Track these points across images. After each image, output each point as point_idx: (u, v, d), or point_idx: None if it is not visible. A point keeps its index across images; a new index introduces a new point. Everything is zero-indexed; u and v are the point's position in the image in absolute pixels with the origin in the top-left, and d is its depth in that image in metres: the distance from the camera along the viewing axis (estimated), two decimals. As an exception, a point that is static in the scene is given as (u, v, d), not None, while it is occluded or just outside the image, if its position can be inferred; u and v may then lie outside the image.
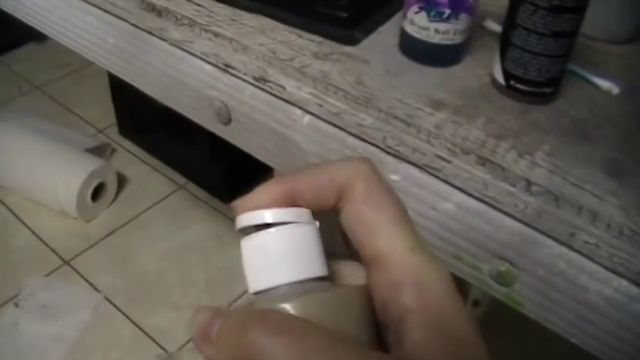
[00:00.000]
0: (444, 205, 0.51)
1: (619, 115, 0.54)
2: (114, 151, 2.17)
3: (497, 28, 0.62)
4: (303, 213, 0.32)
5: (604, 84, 0.57)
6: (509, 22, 0.53)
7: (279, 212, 0.31)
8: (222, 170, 1.94)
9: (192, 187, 2.04)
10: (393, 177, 0.52)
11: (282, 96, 0.57)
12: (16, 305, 1.68)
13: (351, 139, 0.54)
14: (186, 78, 0.64)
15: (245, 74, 0.58)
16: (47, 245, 1.85)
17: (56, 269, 1.79)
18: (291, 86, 0.56)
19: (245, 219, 0.32)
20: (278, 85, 0.56)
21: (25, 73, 2.50)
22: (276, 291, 0.31)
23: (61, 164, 1.89)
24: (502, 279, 0.50)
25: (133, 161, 2.13)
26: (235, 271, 1.76)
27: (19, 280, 1.74)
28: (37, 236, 1.87)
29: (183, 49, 0.63)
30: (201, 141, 1.90)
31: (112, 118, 2.23)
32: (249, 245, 0.32)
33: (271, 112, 0.58)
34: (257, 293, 0.31)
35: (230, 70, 0.60)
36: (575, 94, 0.56)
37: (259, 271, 0.32)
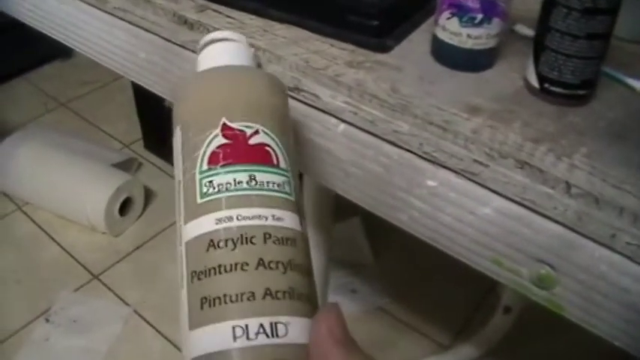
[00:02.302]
0: (483, 210, 0.51)
1: (655, 116, 0.54)
2: (140, 165, 2.19)
3: (528, 32, 0.62)
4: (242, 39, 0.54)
5: (638, 85, 0.57)
6: (542, 25, 0.53)
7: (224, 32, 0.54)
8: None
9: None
10: (431, 183, 0.53)
11: (317, 105, 0.57)
12: (47, 320, 1.70)
13: (386, 147, 0.54)
14: (219, 90, 0.65)
15: (279, 84, 0.59)
16: (76, 260, 1.87)
17: (86, 284, 1.80)
18: (325, 95, 0.56)
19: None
20: (312, 94, 0.57)
21: (51, 91, 2.54)
22: None
23: (88, 180, 1.91)
24: (543, 283, 0.50)
25: (159, 175, 2.15)
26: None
27: (49, 295, 1.76)
28: (66, 251, 1.89)
29: (216, 62, 0.64)
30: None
31: (137, 133, 2.25)
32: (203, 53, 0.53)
33: (305, 121, 0.59)
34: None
35: (263, 80, 0.60)
36: (610, 96, 0.56)
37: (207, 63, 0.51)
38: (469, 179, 0.51)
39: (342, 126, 0.56)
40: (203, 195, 0.40)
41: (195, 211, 0.40)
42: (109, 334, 1.66)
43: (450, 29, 0.56)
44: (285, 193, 0.41)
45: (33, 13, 0.88)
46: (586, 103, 0.54)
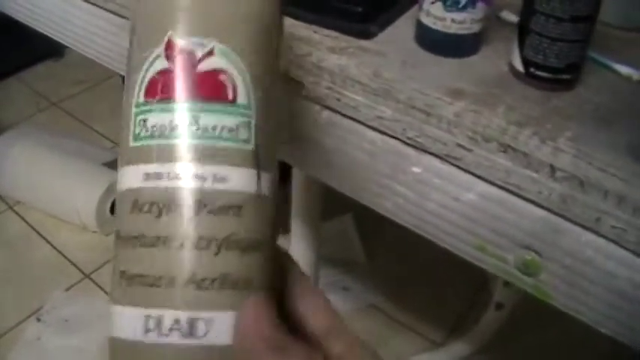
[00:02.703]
0: (467, 195, 0.50)
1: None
2: (132, 164, 2.18)
3: (514, 18, 0.61)
4: None
5: (624, 70, 0.57)
6: (527, 8, 0.53)
7: None
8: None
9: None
10: (415, 169, 0.52)
11: (300, 92, 0.56)
12: (38, 320, 1.69)
13: (370, 133, 0.54)
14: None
15: (261, 72, 0.58)
16: (68, 259, 1.86)
17: (77, 283, 1.79)
18: (308, 82, 0.55)
19: None
20: (295, 81, 0.56)
21: (44, 90, 2.52)
22: None
23: (79, 179, 1.90)
24: (528, 269, 0.49)
25: (151, 174, 2.14)
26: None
27: (40, 294, 1.74)
28: (58, 250, 1.88)
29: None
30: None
31: (129, 132, 2.24)
32: None
33: (289, 109, 0.58)
34: None
35: (246, 68, 0.59)
36: (596, 81, 0.55)
37: None
38: (453, 164, 0.50)
39: (326, 112, 0.56)
40: (136, 137, 0.32)
41: (126, 157, 0.33)
42: (100, 334, 1.65)
43: (434, 14, 0.55)
44: (240, 140, 0.32)
45: (27, 10, 0.87)
46: (571, 87, 0.54)
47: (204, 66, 0.32)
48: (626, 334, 0.47)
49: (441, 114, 0.50)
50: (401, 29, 0.60)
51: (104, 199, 1.86)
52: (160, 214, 0.30)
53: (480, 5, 0.55)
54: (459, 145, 0.49)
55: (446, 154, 0.50)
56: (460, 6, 0.54)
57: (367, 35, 0.58)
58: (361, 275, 1.75)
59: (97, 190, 1.86)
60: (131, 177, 0.32)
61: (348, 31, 0.59)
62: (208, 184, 0.31)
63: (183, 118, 0.31)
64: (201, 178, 0.31)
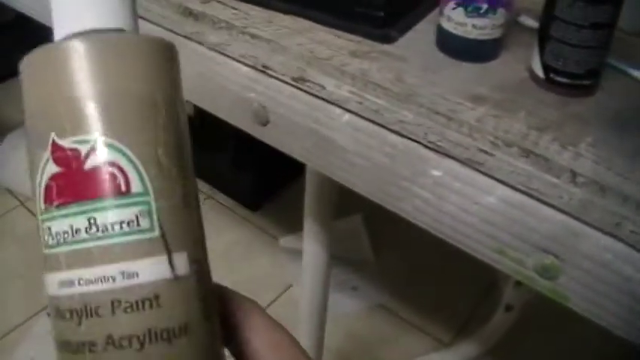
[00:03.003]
0: (487, 199, 0.51)
1: (659, 107, 0.54)
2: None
3: (532, 23, 0.62)
4: None
5: (642, 76, 0.57)
6: (548, 14, 0.53)
7: None
8: (250, 179, 1.95)
9: (220, 196, 2.05)
10: (435, 172, 0.53)
11: (321, 95, 0.57)
12: (49, 315, 1.69)
13: (391, 136, 0.54)
14: (223, 81, 0.65)
15: (283, 75, 0.59)
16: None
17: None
18: (330, 85, 0.56)
19: None
20: (317, 84, 0.57)
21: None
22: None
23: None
24: (547, 272, 0.50)
25: (160, 172, 2.15)
26: (264, 278, 1.76)
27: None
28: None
29: (221, 53, 0.64)
30: (227, 150, 1.92)
31: (138, 130, 2.25)
32: None
33: (310, 111, 0.59)
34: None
35: (268, 71, 0.60)
36: (614, 87, 0.56)
37: (62, 18, 0.33)
38: (474, 168, 0.51)
39: (347, 116, 0.56)
40: (46, 245, 0.31)
41: (43, 263, 0.32)
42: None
43: (455, 19, 0.56)
44: (142, 231, 0.31)
45: (36, 5, 0.88)
46: (591, 93, 0.55)
47: (90, 163, 0.30)
48: (641, 337, 0.48)
49: (463, 119, 0.51)
50: (421, 34, 0.61)
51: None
52: (80, 321, 0.30)
53: (500, 11, 0.55)
54: (481, 150, 0.49)
55: (467, 158, 0.50)
56: (481, 12, 0.55)
57: (388, 40, 0.59)
58: (370, 275, 1.76)
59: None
60: (49, 284, 0.31)
61: (370, 35, 0.60)
62: (119, 283, 0.30)
63: (81, 221, 0.30)
64: (110, 278, 0.30)
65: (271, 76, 0.60)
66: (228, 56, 0.64)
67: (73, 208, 0.30)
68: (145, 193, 0.31)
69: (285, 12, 0.64)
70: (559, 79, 0.54)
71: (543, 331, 1.57)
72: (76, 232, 0.30)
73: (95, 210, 0.30)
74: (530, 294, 1.37)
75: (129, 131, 0.31)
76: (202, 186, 2.08)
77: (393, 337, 1.62)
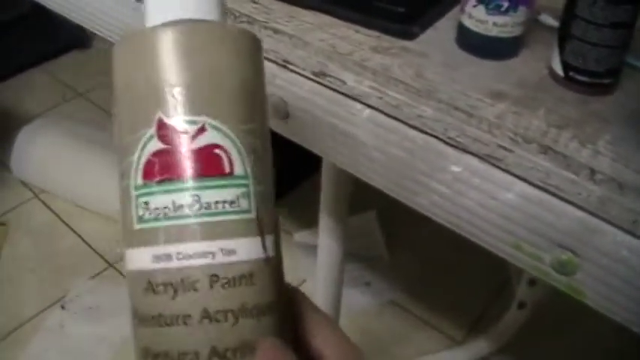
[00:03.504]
0: (505, 195, 0.51)
1: (678, 106, 0.55)
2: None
3: (552, 22, 0.62)
4: None
5: (661, 76, 0.58)
6: (568, 13, 0.54)
7: None
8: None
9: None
10: (454, 168, 0.53)
11: (342, 90, 0.58)
12: (62, 307, 1.71)
13: (411, 132, 0.55)
14: (244, 75, 0.66)
15: (304, 69, 0.60)
16: (92, 248, 1.88)
17: (101, 272, 1.82)
18: (350, 80, 0.57)
19: None
20: (338, 79, 0.58)
21: (69, 81, 2.55)
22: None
23: (105, 169, 1.92)
24: (564, 268, 0.50)
25: (175, 166, 2.16)
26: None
27: (64, 282, 1.77)
28: (83, 239, 1.90)
29: (242, 47, 0.64)
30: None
31: (154, 123, 2.26)
32: None
33: (330, 106, 0.59)
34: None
35: (289, 65, 0.61)
36: (634, 86, 0.56)
37: (158, 6, 0.35)
38: (493, 164, 0.51)
39: (367, 111, 0.57)
40: (139, 220, 0.32)
41: (131, 239, 0.33)
42: (123, 323, 1.66)
43: (476, 17, 0.57)
44: (242, 211, 0.32)
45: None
46: (610, 92, 0.55)
47: (197, 143, 0.32)
48: (658, 334, 0.48)
49: (482, 115, 0.51)
50: (442, 30, 0.62)
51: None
52: (175, 294, 0.31)
53: (521, 9, 0.56)
54: (500, 146, 0.50)
55: (486, 154, 0.51)
56: (502, 10, 0.56)
57: (409, 36, 0.60)
58: (383, 271, 1.76)
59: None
60: (140, 259, 0.32)
61: (391, 31, 0.60)
62: (218, 259, 0.31)
63: (184, 197, 0.32)
64: (210, 254, 0.31)
65: (292, 71, 0.61)
66: (249, 50, 0.64)
67: (177, 185, 0.32)
68: (246, 176, 0.33)
69: (307, 7, 0.64)
70: (579, 77, 0.54)
71: (556, 329, 1.57)
72: (179, 208, 0.31)
73: (202, 187, 0.32)
74: (543, 292, 1.37)
75: (234, 116, 0.33)
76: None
77: (405, 334, 1.63)
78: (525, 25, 0.58)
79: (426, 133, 0.54)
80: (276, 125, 0.66)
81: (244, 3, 0.66)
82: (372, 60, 0.57)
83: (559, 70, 0.55)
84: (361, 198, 1.04)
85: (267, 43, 0.62)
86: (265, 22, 0.63)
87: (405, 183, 0.57)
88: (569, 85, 0.55)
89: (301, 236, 1.87)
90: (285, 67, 0.61)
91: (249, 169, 0.33)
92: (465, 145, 0.52)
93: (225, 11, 0.36)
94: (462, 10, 0.58)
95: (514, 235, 0.52)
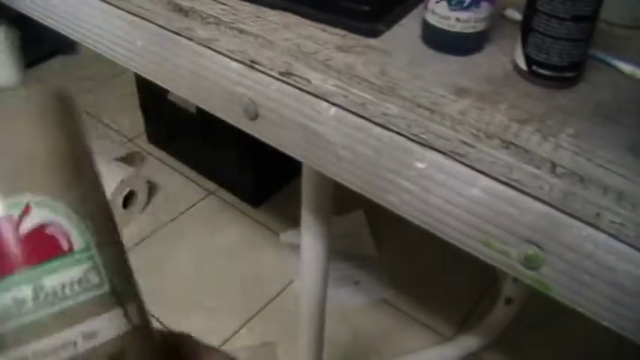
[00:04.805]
0: (471, 191, 0.51)
1: (641, 98, 0.55)
2: (143, 159, 2.20)
3: (518, 16, 0.62)
4: None
5: (627, 68, 0.58)
6: (530, 7, 0.54)
7: None
8: (252, 175, 1.96)
9: (222, 192, 2.06)
10: (419, 165, 0.53)
11: (308, 89, 0.58)
12: None
13: (376, 129, 0.55)
14: (214, 76, 0.66)
15: (271, 69, 0.60)
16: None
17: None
18: (316, 79, 0.57)
19: None
20: (303, 78, 0.57)
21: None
22: None
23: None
24: (530, 263, 0.50)
25: (163, 169, 2.16)
26: (266, 274, 1.77)
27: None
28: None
29: (210, 48, 0.64)
30: (229, 147, 1.92)
31: (140, 127, 2.26)
32: None
33: (297, 105, 0.59)
34: None
35: (256, 66, 0.61)
36: (599, 79, 0.56)
37: None
38: (457, 160, 0.51)
39: (333, 109, 0.57)
40: None
41: None
42: (113, 327, 1.67)
43: (439, 13, 0.57)
44: (94, 287, 0.29)
45: (35, 6, 0.89)
46: (573, 85, 0.55)
47: (25, 226, 0.28)
48: (625, 326, 0.48)
49: (445, 111, 0.51)
50: (407, 28, 0.62)
51: (116, 194, 1.88)
52: None
53: (484, 4, 0.56)
54: (463, 142, 0.50)
55: (450, 150, 0.51)
56: (464, 5, 0.55)
57: (374, 34, 0.60)
58: (372, 270, 1.77)
59: (108, 185, 1.88)
60: None
61: (355, 29, 0.60)
62: (81, 347, 0.28)
63: (25, 291, 0.28)
64: (71, 344, 0.28)
65: (259, 71, 0.61)
66: (217, 51, 0.64)
67: (13, 279, 0.27)
68: (88, 248, 0.29)
69: (273, 7, 0.64)
70: (542, 71, 0.54)
71: (544, 324, 1.57)
72: (22, 304, 0.27)
73: (40, 276, 0.28)
74: (529, 287, 1.37)
75: (57, 186, 0.29)
76: (205, 182, 2.09)
77: (395, 331, 1.63)
78: (489, 20, 0.58)
79: (391, 130, 0.54)
80: (246, 126, 0.66)
81: (211, 4, 0.66)
82: (336, 59, 0.57)
83: (522, 64, 0.55)
84: (349, 197, 1.04)
85: (235, 43, 0.62)
86: (232, 22, 0.63)
87: (374, 181, 0.57)
88: (532, 79, 0.55)
89: (287, 236, 1.87)
90: (252, 67, 0.61)
91: (90, 240, 0.29)
92: (429, 141, 0.52)
93: (21, 70, 0.32)
94: (426, 7, 0.58)
95: (482, 231, 0.52)
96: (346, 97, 0.55)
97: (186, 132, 2.08)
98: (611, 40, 0.60)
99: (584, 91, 0.55)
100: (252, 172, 1.95)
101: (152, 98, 2.10)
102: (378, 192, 0.58)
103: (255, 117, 0.64)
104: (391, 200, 0.57)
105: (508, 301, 1.43)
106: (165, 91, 1.97)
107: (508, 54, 0.58)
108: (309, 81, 0.57)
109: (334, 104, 0.57)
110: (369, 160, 0.56)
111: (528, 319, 1.52)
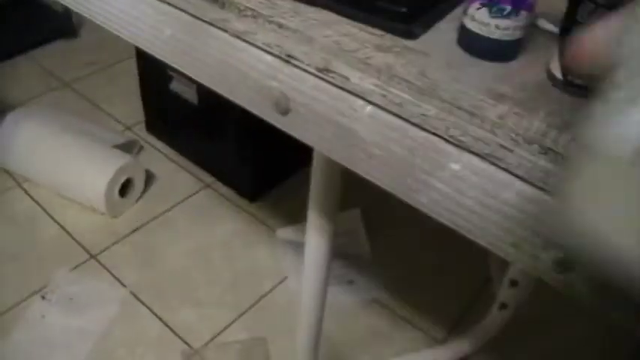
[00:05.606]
0: (505, 194, 0.52)
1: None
2: (141, 148, 2.20)
3: (549, 26, 0.64)
4: None
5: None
6: (569, 19, 0.55)
7: None
8: (250, 170, 1.96)
9: (219, 185, 2.06)
10: (454, 166, 0.54)
11: (345, 87, 0.58)
12: (43, 297, 1.71)
13: (412, 129, 0.56)
14: (246, 68, 0.66)
15: (308, 65, 0.60)
16: (74, 239, 1.88)
17: (83, 263, 1.81)
18: (355, 77, 0.58)
19: None
20: (342, 75, 0.58)
21: (55, 70, 2.54)
22: None
23: (89, 160, 1.92)
24: (561, 267, 0.52)
25: (160, 159, 2.16)
26: (260, 269, 1.78)
27: (46, 272, 1.76)
28: (65, 230, 1.90)
29: (245, 40, 0.65)
30: (229, 140, 1.93)
31: (140, 116, 2.26)
32: None
33: (332, 102, 0.60)
34: None
35: (292, 60, 0.62)
36: (630, 92, 0.58)
37: None
38: (493, 164, 0.52)
39: (369, 108, 0.58)
40: None
41: None
42: (104, 315, 1.67)
43: (479, 19, 0.58)
44: None
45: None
46: (608, 96, 0.56)
47: None
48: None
49: (485, 115, 0.52)
50: (443, 31, 0.63)
51: (113, 181, 1.88)
52: None
53: (523, 13, 0.57)
54: (502, 146, 0.51)
55: (488, 153, 0.52)
56: (505, 13, 0.57)
57: (411, 35, 0.61)
58: (367, 270, 1.78)
59: (106, 173, 1.87)
60: None
61: (393, 30, 0.61)
62: None
63: None
64: None
65: (295, 66, 0.62)
66: (251, 44, 0.65)
67: None
68: None
69: (312, 4, 0.65)
70: (577, 81, 0.55)
71: (537, 330, 1.59)
72: None
73: None
74: (524, 293, 1.38)
75: None
76: (202, 174, 2.09)
77: (387, 332, 1.64)
78: (526, 28, 0.59)
79: (427, 131, 0.55)
80: (276, 120, 0.66)
81: (248, -3, 0.67)
82: (375, 58, 0.58)
83: (558, 73, 0.56)
84: (346, 195, 1.05)
85: (272, 37, 0.63)
86: (270, 16, 0.64)
87: (404, 180, 0.58)
88: (567, 88, 0.56)
89: (284, 232, 1.88)
90: (288, 62, 0.62)
91: None
92: (467, 144, 0.53)
93: None
94: (465, 13, 0.59)
95: (513, 234, 0.53)
96: (384, 96, 0.56)
97: (186, 123, 2.08)
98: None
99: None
100: (250, 166, 1.96)
101: (153, 87, 2.10)
102: (407, 191, 0.59)
103: (286, 112, 0.64)
104: (421, 200, 0.58)
105: (502, 306, 1.44)
106: (167, 81, 1.97)
107: (541, 62, 0.59)
108: (347, 78, 0.58)
109: (371, 103, 0.57)
110: (402, 160, 0.57)
111: (522, 324, 1.54)
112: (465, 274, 1.71)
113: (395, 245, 1.83)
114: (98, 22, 0.85)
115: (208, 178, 2.08)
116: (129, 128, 2.29)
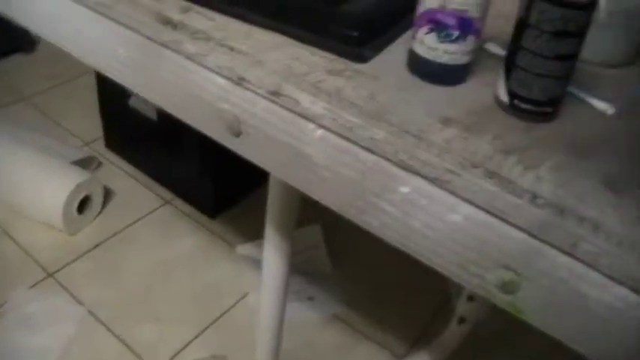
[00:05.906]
0: (452, 217, 0.53)
1: (614, 134, 0.58)
2: (100, 164, 2.17)
3: (497, 50, 0.65)
4: None
5: (600, 105, 0.61)
6: (514, 44, 0.56)
7: None
8: (210, 186, 1.96)
9: (179, 202, 2.05)
10: (403, 189, 0.55)
11: (296, 110, 0.59)
12: (1, 316, 1.68)
13: (363, 153, 0.56)
14: (198, 91, 0.67)
15: (259, 88, 0.61)
16: (31, 257, 1.84)
17: (41, 281, 1.78)
18: (305, 101, 0.58)
19: None
20: (292, 99, 0.59)
21: (12, 84, 2.50)
22: None
23: (47, 176, 1.89)
24: (506, 287, 0.53)
25: (119, 175, 2.14)
26: (221, 285, 1.77)
27: (4, 291, 1.73)
28: (22, 248, 1.87)
29: (197, 63, 0.65)
30: (189, 157, 1.92)
31: (98, 132, 2.23)
32: None
33: (284, 125, 0.60)
34: None
35: (244, 83, 0.62)
36: (574, 114, 0.59)
37: None
38: (441, 187, 0.53)
39: (320, 131, 0.58)
40: None
41: None
42: (63, 334, 1.64)
43: (428, 44, 0.59)
44: None
45: (10, 3, 0.88)
46: (552, 119, 0.58)
47: None
48: (594, 350, 0.50)
49: (432, 139, 0.53)
50: (394, 55, 0.64)
51: (71, 198, 1.86)
52: None
53: (470, 38, 0.58)
54: (448, 170, 0.52)
55: (435, 177, 0.53)
56: (452, 38, 0.58)
57: (362, 59, 0.61)
58: (326, 285, 1.78)
59: (64, 189, 1.85)
60: None
61: (345, 54, 0.62)
62: None
63: None
64: None
65: (247, 89, 0.62)
66: (204, 66, 0.65)
67: None
68: None
69: (263, 27, 0.65)
70: (523, 105, 0.57)
71: (496, 344, 1.60)
72: None
73: None
74: (482, 307, 1.40)
75: None
76: (161, 191, 2.08)
77: (348, 348, 1.64)
78: (474, 53, 0.60)
79: (377, 154, 0.55)
80: (228, 142, 0.66)
81: (202, 20, 0.67)
82: (326, 82, 0.58)
83: (504, 98, 0.57)
84: (306, 211, 1.05)
85: (224, 60, 0.63)
86: (222, 39, 0.64)
87: (355, 202, 0.59)
88: (514, 112, 0.57)
89: (244, 249, 1.87)
90: (239, 84, 0.62)
91: None
92: (415, 167, 0.53)
93: None
94: (414, 37, 0.60)
95: (460, 255, 0.54)
96: (335, 119, 0.57)
97: (145, 139, 2.07)
98: (586, 78, 0.63)
99: (562, 126, 0.57)
100: (210, 183, 1.95)
101: (112, 103, 2.09)
102: (359, 214, 0.59)
103: (238, 134, 0.65)
104: (372, 223, 0.58)
105: (461, 320, 1.46)
106: (126, 97, 1.96)
107: (489, 86, 0.60)
108: (297, 102, 0.59)
109: (322, 126, 0.58)
110: (353, 183, 0.58)
111: (481, 339, 1.55)
112: (426, 290, 1.71)
113: (356, 261, 1.84)
114: (54, 42, 0.85)
115: (168, 195, 2.07)
116: (87, 144, 2.26)
